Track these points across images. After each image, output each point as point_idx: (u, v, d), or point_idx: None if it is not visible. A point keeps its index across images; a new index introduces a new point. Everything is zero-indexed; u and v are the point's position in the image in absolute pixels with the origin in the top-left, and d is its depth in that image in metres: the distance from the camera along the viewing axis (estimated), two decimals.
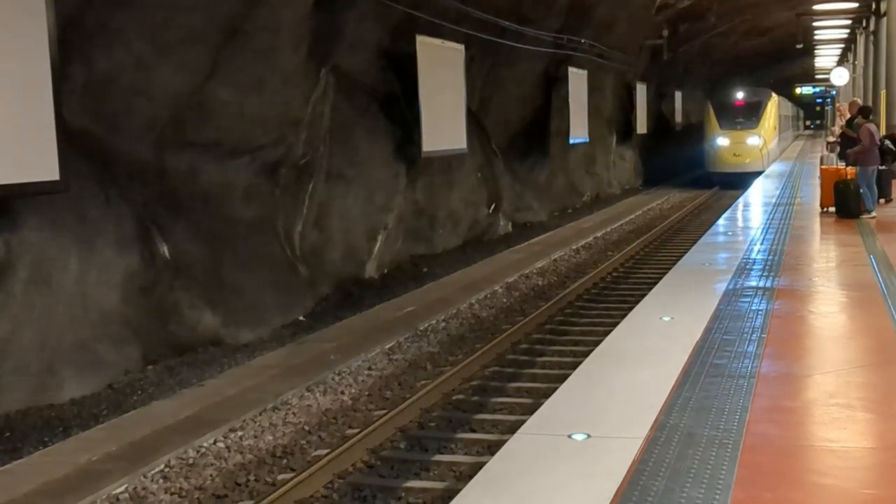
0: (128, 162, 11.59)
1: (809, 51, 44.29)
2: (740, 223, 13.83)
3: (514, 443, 4.59)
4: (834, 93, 45.85)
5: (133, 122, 11.57)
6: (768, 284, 8.45)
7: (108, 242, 10.78)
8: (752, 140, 33.05)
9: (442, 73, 17.58)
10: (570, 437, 4.56)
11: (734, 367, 5.74)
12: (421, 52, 16.56)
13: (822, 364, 5.95)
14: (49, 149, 9.04)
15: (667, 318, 7.18)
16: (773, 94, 35.25)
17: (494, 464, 4.33)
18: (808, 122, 73.97)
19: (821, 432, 4.70)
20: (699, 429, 4.64)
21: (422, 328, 12.60)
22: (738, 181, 29.47)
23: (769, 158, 32.75)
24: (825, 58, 47.52)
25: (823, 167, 15.26)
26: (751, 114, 33.49)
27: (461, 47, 18.49)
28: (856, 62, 35.43)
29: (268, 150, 13.42)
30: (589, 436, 4.57)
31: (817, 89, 61.21)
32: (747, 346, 6.24)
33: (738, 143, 33.06)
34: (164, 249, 11.64)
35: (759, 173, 26.65)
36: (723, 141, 33.33)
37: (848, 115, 16.27)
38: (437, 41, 17.26)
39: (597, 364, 5.98)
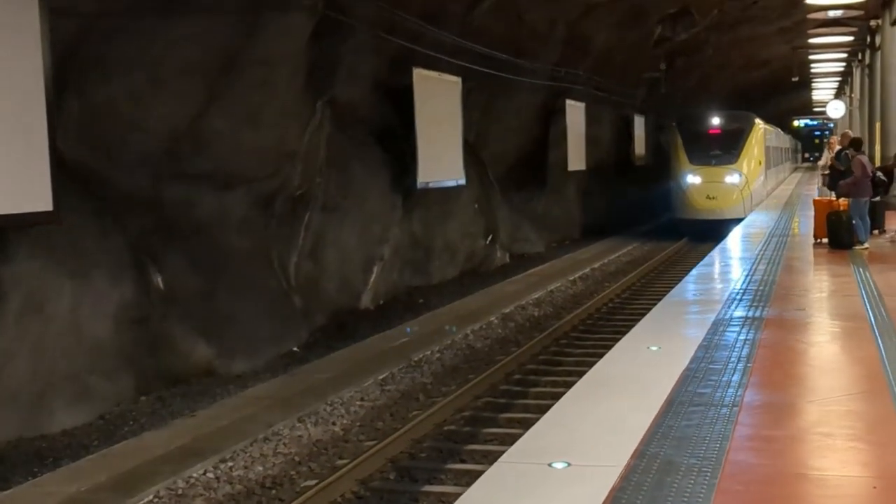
0: (123, 193, 11.66)
1: (807, 83, 44.56)
2: (734, 254, 13.85)
3: (495, 471, 4.60)
4: (832, 125, 46.06)
5: (129, 153, 11.66)
6: (757, 314, 8.47)
7: (101, 273, 10.82)
8: (731, 178, 26.45)
9: (439, 106, 17.71)
10: (550, 465, 4.57)
11: (718, 396, 5.75)
12: (417, 85, 16.70)
13: (806, 393, 5.96)
14: (43, 180, 9.11)
15: (654, 348, 7.20)
16: (758, 121, 28.75)
17: (473, 492, 4.34)
18: (807, 155, 74.43)
19: (800, 460, 4.71)
20: (679, 457, 4.65)
21: (416, 359, 12.60)
22: (712, 231, 23.61)
23: (752, 201, 26.26)
24: (823, 90, 47.82)
25: (816, 199, 15.34)
26: (729, 145, 26.89)
27: (458, 80, 18.64)
28: (852, 95, 35.61)
29: (264, 181, 13.49)
30: (569, 464, 4.58)
31: (815, 122, 61.63)
32: (732, 376, 6.26)
33: (713, 183, 26.39)
34: (159, 280, 11.68)
35: (738, 220, 21.83)
36: (693, 179, 26.72)
37: (837, 148, 16.35)
38: (434, 74, 17.41)
39: (582, 393, 5.99)
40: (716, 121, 27.77)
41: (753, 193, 26.65)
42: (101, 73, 11.09)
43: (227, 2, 11.68)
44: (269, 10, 12.18)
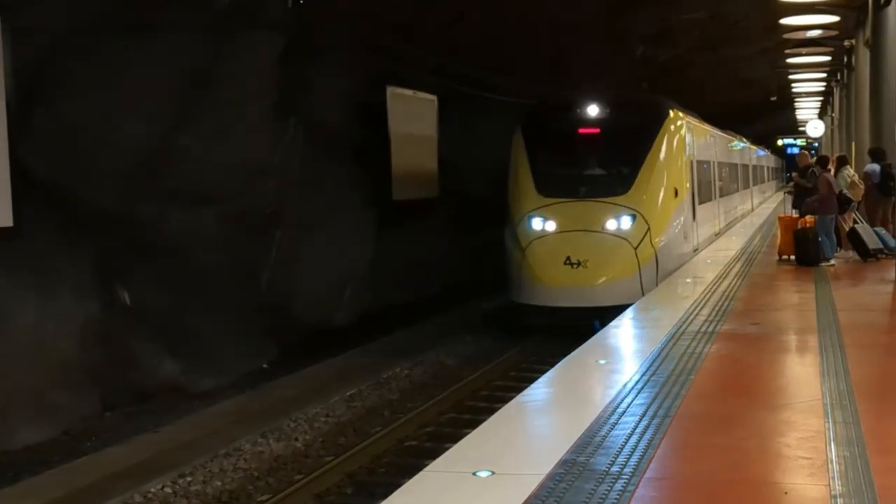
0: (92, 209, 11.71)
1: (791, 103, 44.82)
2: (700, 272, 13.85)
3: (418, 480, 4.65)
4: (816, 144, 46.38)
5: (98, 170, 11.71)
6: (711, 329, 8.54)
7: (67, 289, 10.87)
8: (615, 224, 13.69)
9: (413, 123, 17.83)
10: (474, 474, 4.62)
11: (654, 407, 5.81)
12: (392, 103, 16.82)
13: (741, 405, 6.02)
14: (3, 196, 9.17)
15: (602, 362, 7.27)
16: (678, 113, 15.83)
17: (394, 499, 4.39)
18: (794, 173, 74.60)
19: (722, 468, 4.75)
20: (601, 465, 4.71)
21: (385, 376, 12.63)
22: (571, 321, 12.74)
23: (658, 268, 13.57)
24: (806, 110, 48.08)
25: (780, 216, 15.47)
26: (614, 159, 14.58)
27: (434, 98, 18.77)
28: (833, 115, 35.86)
29: (235, 198, 13.54)
30: (493, 472, 4.63)
31: (798, 141, 62.10)
32: (673, 387, 6.32)
33: (580, 234, 13.66)
34: (126, 296, 11.72)
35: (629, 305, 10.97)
36: (543, 227, 13.95)
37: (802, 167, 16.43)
38: (409, 92, 17.54)
39: (521, 405, 6.06)
40: (591, 112, 14.77)
41: (662, 252, 13.79)
42: (70, 91, 11.17)
43: (196, 20, 11.78)
44: (237, 29, 12.29)
